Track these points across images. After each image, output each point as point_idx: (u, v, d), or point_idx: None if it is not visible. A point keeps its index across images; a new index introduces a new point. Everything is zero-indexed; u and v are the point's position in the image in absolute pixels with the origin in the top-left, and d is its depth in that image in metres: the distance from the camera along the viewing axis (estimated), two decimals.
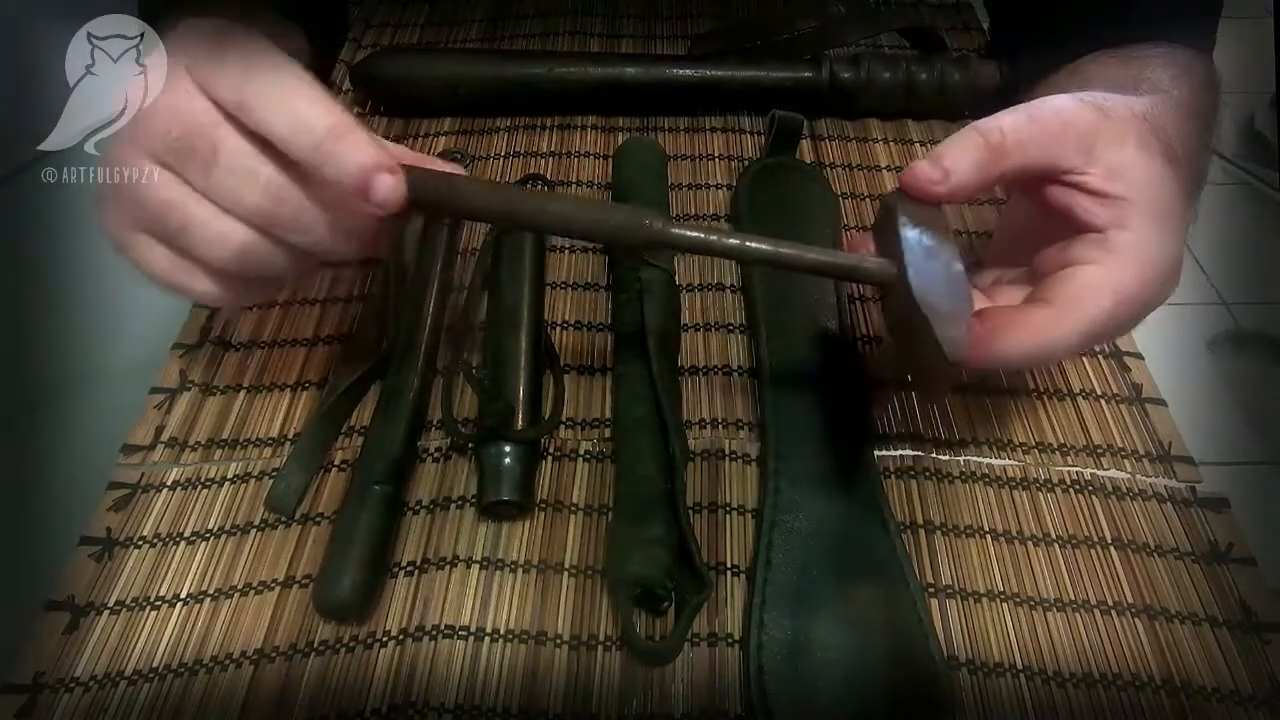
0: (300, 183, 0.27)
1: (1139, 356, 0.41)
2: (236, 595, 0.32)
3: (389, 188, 0.27)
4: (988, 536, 0.34)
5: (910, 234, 0.29)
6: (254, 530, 0.34)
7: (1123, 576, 0.33)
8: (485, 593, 0.32)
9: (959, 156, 0.29)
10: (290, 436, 0.37)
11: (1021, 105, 0.31)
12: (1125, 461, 0.37)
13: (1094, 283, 0.29)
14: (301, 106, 0.26)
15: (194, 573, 0.33)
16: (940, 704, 0.29)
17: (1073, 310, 0.29)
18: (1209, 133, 0.37)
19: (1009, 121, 0.30)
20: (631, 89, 0.51)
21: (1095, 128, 0.30)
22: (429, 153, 0.49)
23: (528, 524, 0.34)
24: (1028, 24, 0.50)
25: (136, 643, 0.31)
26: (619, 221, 0.29)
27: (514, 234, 0.42)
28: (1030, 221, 0.33)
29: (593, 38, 0.58)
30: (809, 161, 0.49)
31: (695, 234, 0.29)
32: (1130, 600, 0.32)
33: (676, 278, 0.42)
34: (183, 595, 0.32)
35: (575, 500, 0.35)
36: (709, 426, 0.37)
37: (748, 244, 0.30)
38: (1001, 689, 0.30)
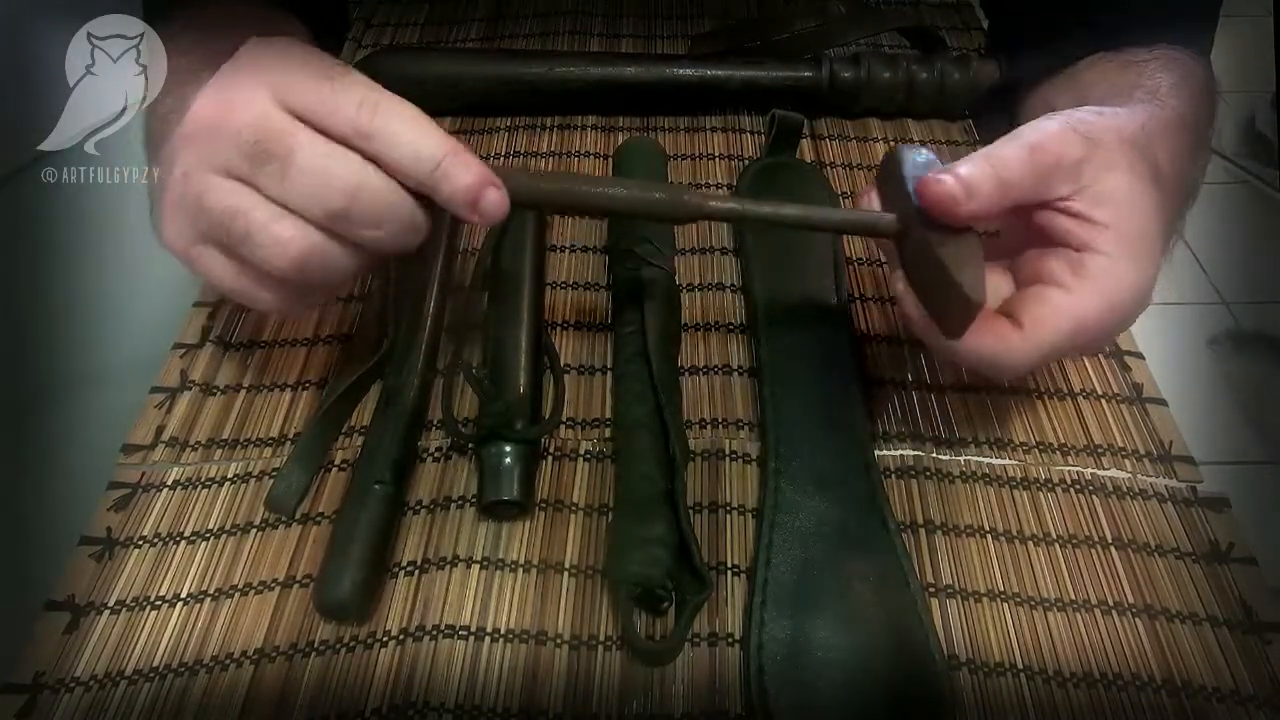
0: (376, 179, 0.28)
1: (1139, 356, 0.41)
2: (237, 595, 0.32)
3: (495, 201, 0.29)
4: (988, 536, 0.34)
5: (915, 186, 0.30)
6: (254, 530, 0.34)
7: (1123, 576, 0.33)
8: (485, 593, 0.32)
9: (981, 183, 0.29)
10: (290, 436, 0.37)
11: (1016, 135, 0.31)
12: (1126, 461, 0.37)
13: (1060, 307, 0.30)
14: (420, 135, 0.28)
15: (194, 573, 0.33)
16: (940, 704, 0.29)
17: (1034, 333, 0.30)
18: (1205, 139, 0.37)
19: (1011, 156, 0.30)
20: (631, 89, 0.50)
21: (1084, 157, 0.30)
22: None
23: (528, 524, 0.34)
24: (1026, 24, 0.50)
25: (137, 643, 0.31)
26: (662, 198, 0.32)
27: (514, 234, 0.42)
28: (1014, 222, 0.34)
29: (593, 37, 0.58)
30: (809, 161, 0.49)
31: (730, 205, 0.32)
32: (1131, 600, 0.32)
33: (676, 278, 0.42)
34: (183, 595, 0.32)
35: (575, 500, 0.35)
36: (709, 426, 0.37)
37: (781, 210, 0.32)
38: (1002, 688, 0.30)
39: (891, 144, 0.51)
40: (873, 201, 0.33)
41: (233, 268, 0.29)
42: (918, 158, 0.31)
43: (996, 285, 0.33)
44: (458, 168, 0.28)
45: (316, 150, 0.27)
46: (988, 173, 0.29)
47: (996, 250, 0.34)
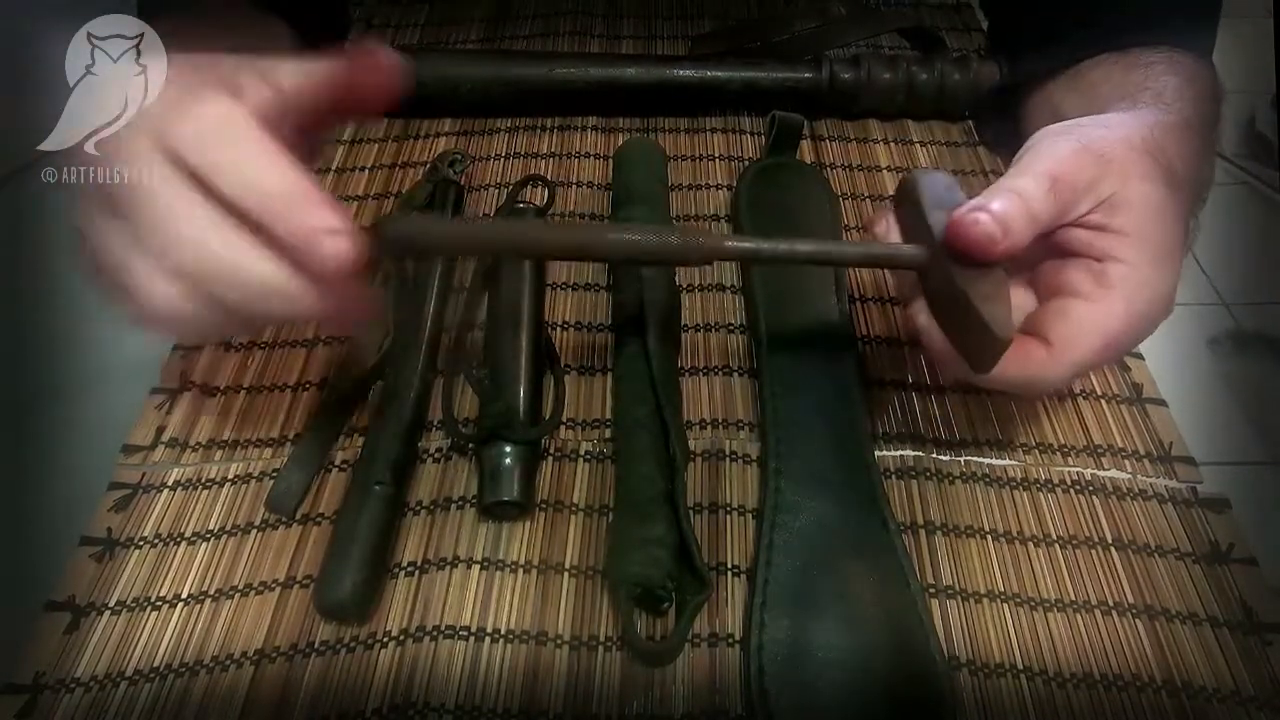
0: (216, 236, 0.26)
1: (1139, 356, 0.41)
2: (237, 595, 0.32)
3: (334, 252, 0.25)
4: (988, 536, 0.34)
5: (937, 217, 0.29)
6: (254, 530, 0.34)
7: (1123, 577, 0.33)
8: (485, 593, 0.32)
9: (1015, 220, 0.28)
10: (290, 436, 0.37)
11: (1031, 162, 0.30)
12: (1126, 462, 0.37)
13: (1086, 321, 0.30)
14: (252, 171, 0.25)
15: (194, 573, 0.33)
16: (941, 704, 0.29)
17: (1065, 351, 0.30)
18: (1211, 142, 0.37)
19: (1035, 189, 0.29)
20: (631, 89, 0.51)
21: (1100, 175, 0.30)
22: (429, 154, 0.49)
23: (528, 524, 0.34)
24: (1026, 24, 0.50)
25: (137, 643, 0.31)
26: (675, 243, 0.31)
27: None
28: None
29: (593, 38, 0.58)
30: (809, 162, 0.49)
31: (746, 244, 0.31)
32: (1131, 600, 0.32)
33: (676, 278, 0.42)
34: (183, 595, 0.32)
35: (575, 500, 0.35)
36: (709, 426, 0.37)
37: (796, 247, 0.31)
38: (1002, 689, 0.30)
39: (891, 145, 0.51)
40: (889, 227, 0.33)
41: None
42: (938, 187, 0.30)
43: (1018, 300, 0.33)
44: (293, 207, 0.25)
45: (158, 207, 0.25)
46: (1021, 208, 0.29)
47: (1015, 265, 0.34)
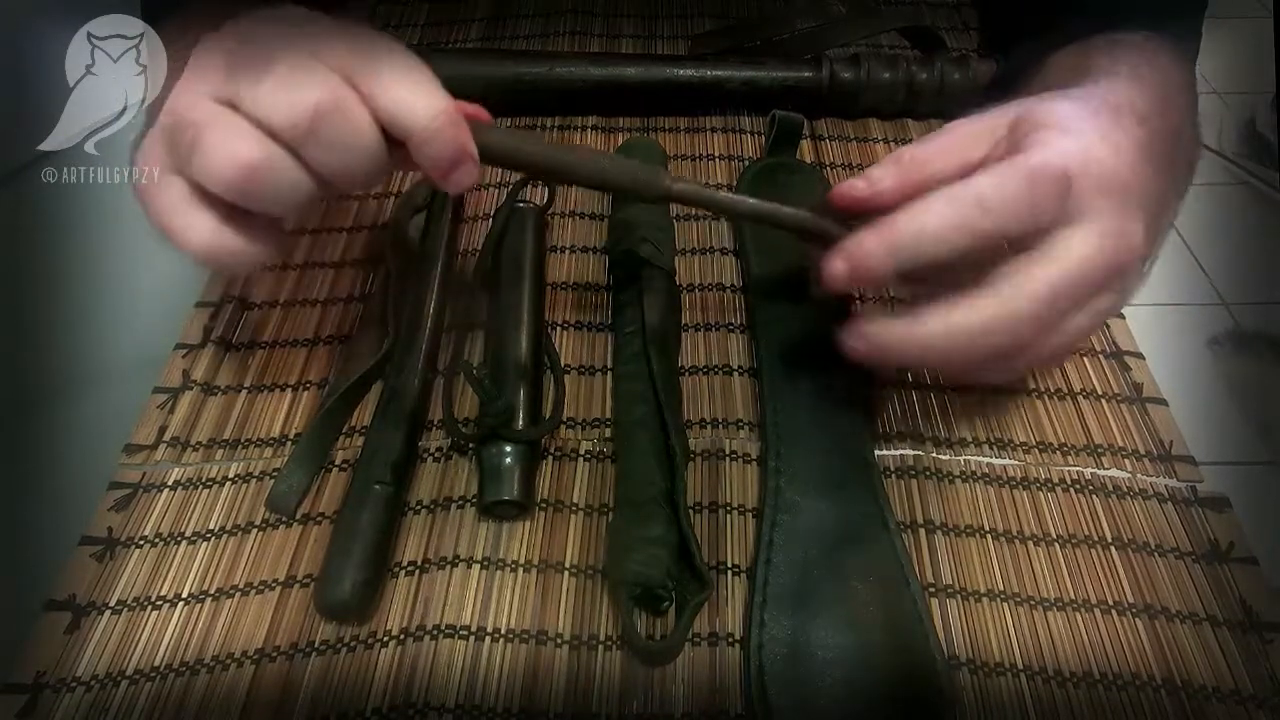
0: (354, 108, 0.27)
1: (1139, 356, 0.41)
2: (237, 595, 0.32)
3: (467, 174, 0.28)
4: (988, 536, 0.34)
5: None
6: (255, 530, 0.34)
7: (1123, 576, 0.33)
8: (485, 593, 0.32)
9: (880, 171, 0.32)
10: (291, 436, 0.37)
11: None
12: (1126, 461, 0.37)
13: (1026, 260, 0.29)
14: (416, 88, 0.27)
15: (195, 572, 0.33)
16: (941, 703, 0.29)
17: (994, 289, 0.29)
18: (1184, 99, 0.36)
19: (917, 144, 0.32)
20: (631, 89, 0.51)
21: (1015, 118, 0.31)
22: None
23: (528, 524, 0.34)
24: (1009, 23, 0.50)
25: (137, 642, 0.31)
26: (639, 178, 0.32)
27: (514, 234, 0.42)
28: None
29: (593, 38, 0.58)
30: (809, 162, 0.49)
31: (693, 187, 0.33)
32: (1131, 600, 0.32)
33: (676, 278, 0.42)
34: (184, 595, 0.32)
35: (575, 500, 0.35)
36: (709, 426, 0.37)
37: (739, 201, 0.34)
38: (1002, 688, 0.30)
39: (891, 144, 0.51)
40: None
41: (179, 190, 0.28)
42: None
43: None
44: (445, 134, 0.27)
45: (298, 62, 0.26)
46: (889, 160, 0.32)
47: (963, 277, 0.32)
